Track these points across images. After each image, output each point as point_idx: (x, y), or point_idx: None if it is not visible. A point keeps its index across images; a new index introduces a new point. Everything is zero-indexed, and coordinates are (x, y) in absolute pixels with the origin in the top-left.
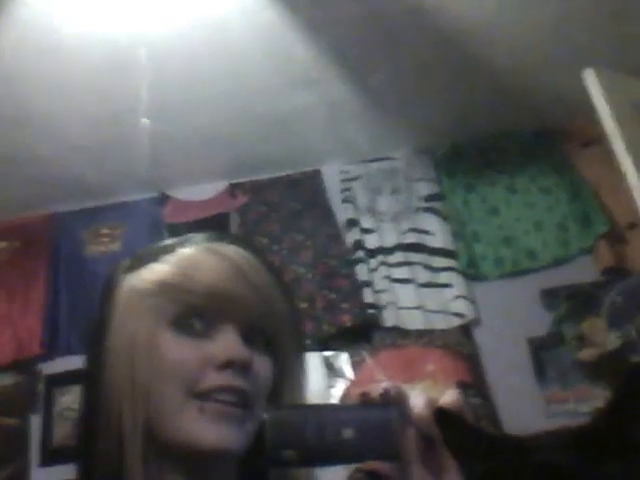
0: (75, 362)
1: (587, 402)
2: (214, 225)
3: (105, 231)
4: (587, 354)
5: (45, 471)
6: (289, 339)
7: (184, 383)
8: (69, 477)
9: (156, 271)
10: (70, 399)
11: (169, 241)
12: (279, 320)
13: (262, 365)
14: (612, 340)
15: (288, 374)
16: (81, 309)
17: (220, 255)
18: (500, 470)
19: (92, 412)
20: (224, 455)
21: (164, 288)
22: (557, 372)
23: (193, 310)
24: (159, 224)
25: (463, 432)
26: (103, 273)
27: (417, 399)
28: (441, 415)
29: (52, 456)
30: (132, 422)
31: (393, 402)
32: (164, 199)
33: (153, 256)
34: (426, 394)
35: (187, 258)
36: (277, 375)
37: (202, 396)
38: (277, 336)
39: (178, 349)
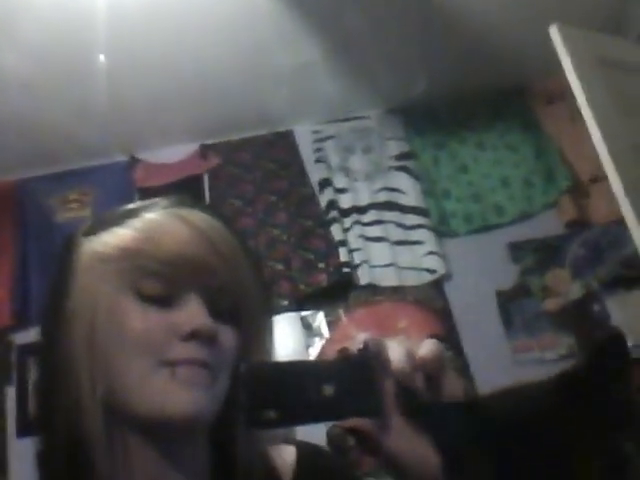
0: None
1: (552, 350)
2: (187, 189)
3: (74, 197)
4: (552, 304)
5: (23, 442)
6: (256, 308)
7: (149, 353)
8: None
9: (119, 236)
10: None
11: (133, 205)
12: (245, 289)
13: (227, 336)
14: (575, 290)
15: (255, 344)
16: (52, 277)
17: (186, 222)
18: None
19: (49, 381)
20: (195, 423)
21: (127, 253)
22: (524, 322)
23: (157, 277)
24: (130, 189)
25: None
26: None
27: (396, 351)
28: None
29: (29, 427)
30: (91, 392)
31: (372, 356)
32: (134, 162)
33: (116, 220)
34: (405, 345)
35: (152, 223)
36: (243, 345)
37: (170, 364)
38: (243, 305)
39: (142, 318)
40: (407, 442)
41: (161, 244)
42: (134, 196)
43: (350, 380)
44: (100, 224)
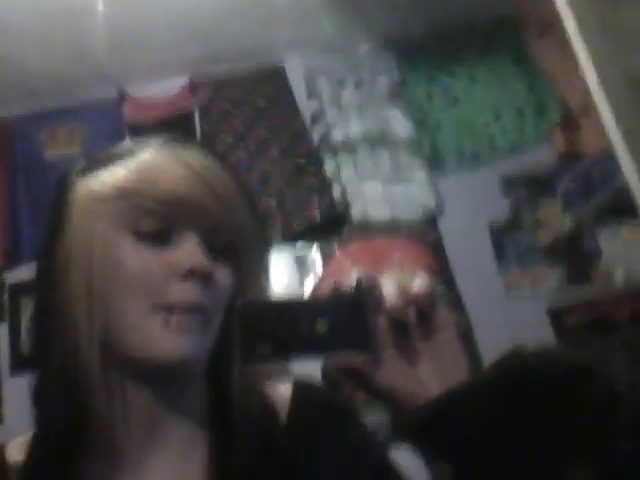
0: None
1: (542, 283)
2: (178, 125)
3: (63, 134)
4: (543, 237)
5: (17, 380)
6: (252, 246)
7: (146, 294)
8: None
9: (115, 175)
10: None
11: (128, 145)
12: (241, 227)
13: (223, 274)
14: (566, 223)
15: (251, 281)
16: (43, 215)
17: (181, 162)
18: None
19: (45, 320)
20: (188, 367)
21: (123, 193)
22: (515, 255)
23: (153, 216)
24: (120, 125)
25: None
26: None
27: (389, 287)
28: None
29: (22, 365)
30: (88, 329)
31: (365, 292)
32: (123, 99)
33: (111, 159)
34: (397, 281)
35: (148, 163)
36: (239, 282)
37: (167, 308)
38: (239, 244)
39: (139, 258)
40: (399, 376)
41: (157, 184)
42: (124, 132)
43: (343, 317)
44: (95, 163)
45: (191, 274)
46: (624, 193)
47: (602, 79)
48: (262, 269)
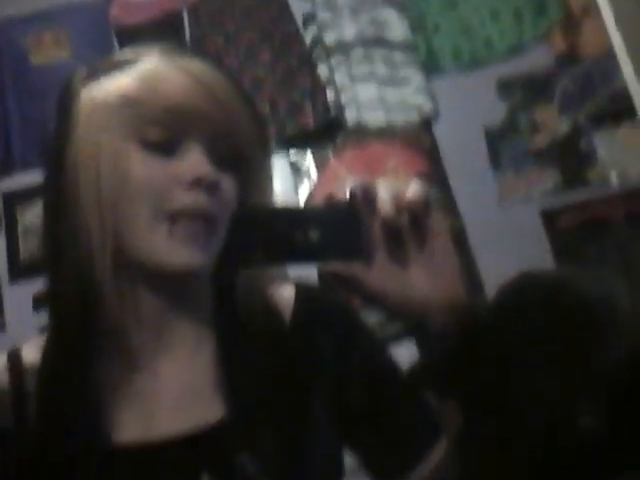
0: (34, 177)
1: (537, 186)
2: (167, 27)
3: (49, 37)
4: (540, 140)
5: (16, 288)
6: (255, 154)
7: (152, 202)
8: (40, 289)
9: (119, 83)
10: (33, 215)
11: (130, 52)
12: (245, 135)
13: (228, 184)
14: (563, 126)
15: (254, 188)
16: (33, 122)
17: (184, 70)
18: None
19: (56, 228)
20: (191, 275)
21: (127, 102)
22: (511, 160)
23: (158, 125)
24: (107, 27)
25: None
26: (53, 82)
27: (383, 193)
28: None
29: (21, 273)
30: (100, 236)
31: (359, 201)
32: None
33: (114, 67)
34: (392, 187)
35: (151, 71)
36: (243, 193)
37: (171, 217)
38: (243, 152)
39: (145, 166)
40: (390, 281)
41: (161, 92)
42: (111, 35)
43: (335, 226)
44: (97, 71)
45: (197, 184)
46: (623, 95)
47: None
48: (266, 176)
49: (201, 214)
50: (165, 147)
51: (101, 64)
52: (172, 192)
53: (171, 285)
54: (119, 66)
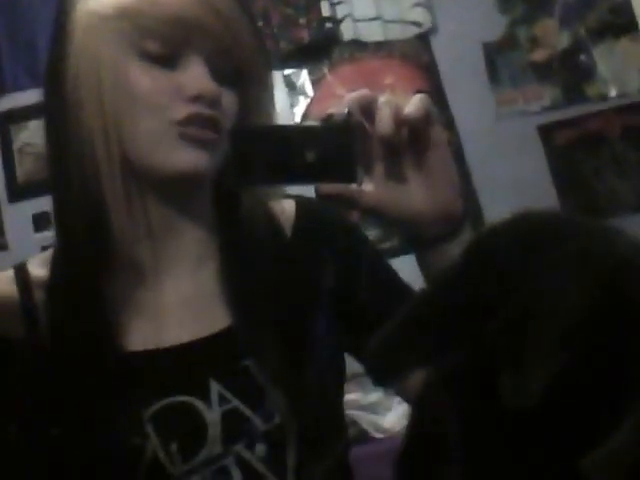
0: (27, 97)
1: (535, 101)
2: None
3: None
4: (539, 55)
5: (15, 207)
6: (256, 69)
7: (156, 112)
8: (39, 210)
9: None
10: (28, 134)
11: None
12: (245, 49)
13: (229, 99)
14: (563, 40)
15: (255, 106)
16: (23, 42)
17: None
18: None
19: (60, 143)
20: (202, 177)
21: (126, 13)
22: (509, 74)
23: (158, 37)
24: None
25: None
26: (42, 2)
27: (383, 111)
28: None
29: (19, 192)
30: (106, 152)
31: (356, 119)
32: None
33: None
34: (392, 101)
35: None
36: (243, 108)
37: (177, 123)
38: (244, 66)
39: (147, 78)
40: (389, 197)
41: (159, 4)
42: None
43: (331, 147)
44: None
45: (199, 98)
46: (623, 8)
47: None
48: (267, 92)
49: (207, 120)
50: (166, 59)
51: None
52: (175, 104)
53: (178, 194)
54: None
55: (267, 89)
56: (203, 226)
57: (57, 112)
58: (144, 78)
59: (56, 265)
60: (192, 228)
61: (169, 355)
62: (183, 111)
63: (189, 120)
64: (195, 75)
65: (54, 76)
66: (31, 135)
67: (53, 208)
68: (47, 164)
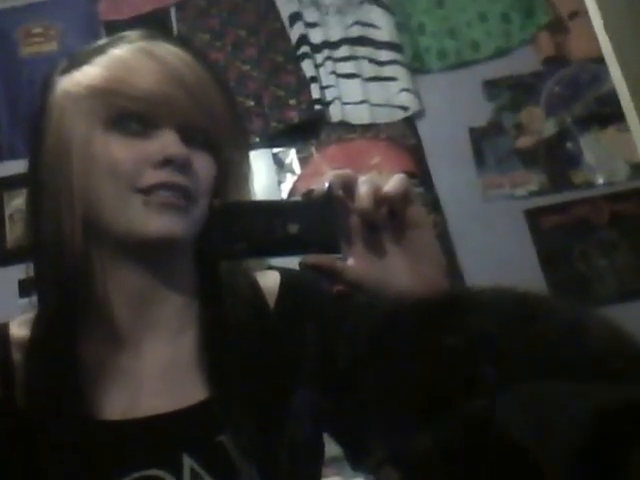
0: (21, 165)
1: (522, 186)
2: (153, 22)
3: (38, 30)
4: (524, 141)
5: (2, 271)
6: (230, 137)
7: (124, 180)
8: (26, 275)
9: (87, 74)
10: (20, 202)
11: (102, 41)
12: (218, 120)
13: (203, 162)
14: (549, 128)
15: (232, 172)
16: (22, 112)
17: (153, 57)
18: None
19: (36, 212)
20: (170, 243)
21: (96, 92)
22: (495, 160)
23: (127, 114)
24: (95, 22)
25: None
26: (41, 74)
27: (362, 187)
28: None
29: (7, 257)
30: (70, 219)
31: (336, 194)
32: None
33: (86, 57)
34: (371, 179)
35: (118, 60)
36: (221, 173)
37: (145, 190)
38: (217, 135)
39: (115, 148)
40: (369, 272)
41: (128, 81)
42: (100, 30)
43: (313, 219)
44: (72, 63)
45: (168, 162)
46: (609, 98)
47: None
48: (243, 165)
49: (174, 187)
50: (134, 130)
51: (77, 54)
52: (144, 171)
53: (153, 261)
54: (91, 56)
55: (243, 156)
56: (184, 293)
57: (35, 183)
58: (112, 149)
59: (35, 327)
60: (172, 296)
61: (142, 426)
62: (150, 179)
63: (156, 187)
64: (164, 141)
65: (34, 150)
66: (23, 202)
67: (34, 273)
68: (26, 230)
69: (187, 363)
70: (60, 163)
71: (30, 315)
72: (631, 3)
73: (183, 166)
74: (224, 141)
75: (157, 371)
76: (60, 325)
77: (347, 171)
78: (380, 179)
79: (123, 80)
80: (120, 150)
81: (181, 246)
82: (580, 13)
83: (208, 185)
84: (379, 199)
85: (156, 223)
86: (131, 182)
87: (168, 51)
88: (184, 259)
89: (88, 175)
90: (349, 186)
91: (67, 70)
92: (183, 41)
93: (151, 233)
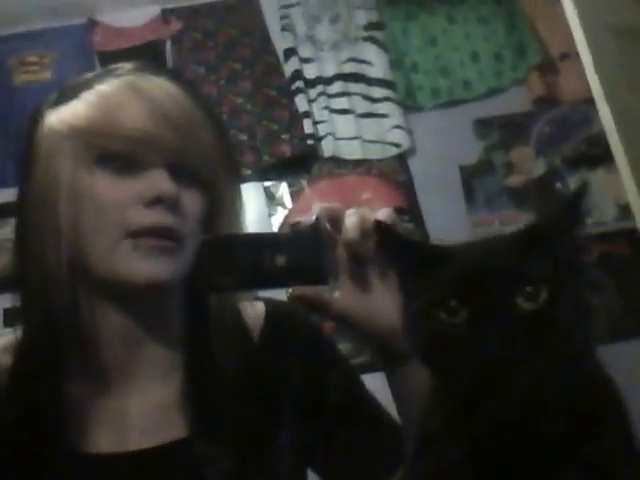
0: (12, 194)
1: (511, 225)
2: (148, 54)
3: (33, 59)
4: (514, 180)
5: None
6: (221, 173)
7: (113, 221)
8: (12, 305)
9: (72, 111)
10: (8, 231)
11: (90, 75)
12: (208, 156)
13: (192, 200)
14: (538, 167)
15: (224, 207)
16: (14, 140)
17: (139, 93)
18: (434, 278)
19: (23, 247)
20: (158, 288)
21: (78, 132)
22: (485, 198)
23: (113, 154)
24: (90, 52)
25: (398, 243)
26: (34, 103)
27: (349, 220)
28: (379, 226)
29: None
30: (56, 260)
31: (324, 227)
32: (93, 25)
33: (74, 91)
34: (358, 212)
35: (104, 97)
36: (211, 209)
37: (134, 234)
38: (208, 172)
39: (104, 189)
40: (356, 304)
41: (113, 121)
42: (94, 60)
43: (301, 251)
44: (62, 96)
45: (158, 201)
46: (599, 139)
47: (585, 26)
48: (234, 198)
49: (163, 231)
50: (123, 168)
51: (67, 87)
52: (133, 210)
53: (140, 303)
54: (77, 90)
55: (234, 191)
56: (170, 334)
57: (22, 217)
58: (100, 187)
59: (18, 357)
60: (159, 337)
61: (123, 461)
62: (139, 219)
63: (145, 231)
64: (153, 180)
65: (22, 184)
66: (11, 231)
67: (20, 304)
68: (13, 261)
69: (173, 401)
70: (47, 200)
71: (11, 340)
72: (621, 45)
73: (173, 205)
74: (215, 177)
75: (143, 410)
76: (44, 359)
77: (334, 204)
78: (367, 212)
79: (107, 120)
80: (107, 190)
81: (168, 288)
82: (571, 54)
83: (196, 224)
84: (365, 231)
85: (144, 269)
86: (120, 223)
87: (156, 86)
88: (171, 299)
89: (75, 216)
90: (336, 218)
91: (56, 104)
92: (173, 74)
93: (138, 279)
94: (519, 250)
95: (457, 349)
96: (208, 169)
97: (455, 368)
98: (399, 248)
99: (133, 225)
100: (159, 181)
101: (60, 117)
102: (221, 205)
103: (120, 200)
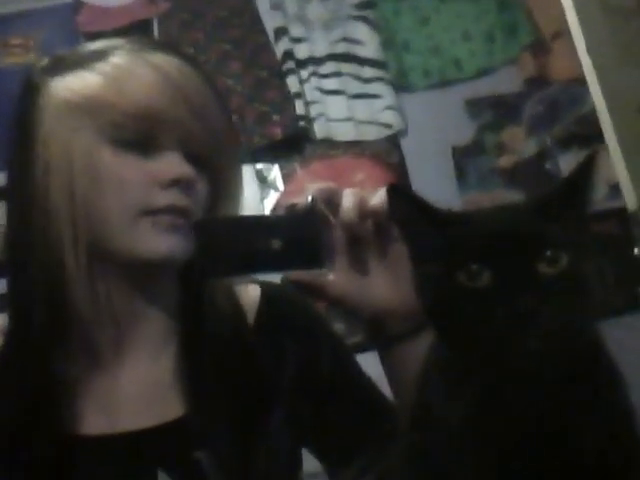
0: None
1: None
2: (135, 34)
3: (16, 41)
4: (505, 161)
5: None
6: (226, 154)
7: (131, 201)
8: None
9: (87, 82)
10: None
11: (99, 45)
12: (217, 137)
13: (201, 185)
14: (529, 148)
15: (224, 192)
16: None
17: (155, 68)
18: (451, 242)
19: (22, 228)
20: (173, 264)
21: (97, 104)
22: (477, 178)
23: (130, 132)
24: (75, 33)
25: (413, 205)
26: (19, 85)
27: (347, 200)
28: (392, 189)
29: None
30: (73, 237)
31: (320, 208)
32: (78, 5)
33: (82, 62)
34: (356, 193)
35: (120, 70)
36: (212, 193)
37: (153, 213)
38: (215, 152)
39: (122, 168)
40: (352, 287)
41: (130, 95)
42: (80, 41)
43: (296, 235)
44: (61, 63)
45: (175, 183)
46: (590, 119)
47: (577, 4)
48: (237, 179)
49: (180, 211)
50: (139, 147)
51: (67, 55)
52: (151, 192)
53: (144, 279)
54: (87, 60)
55: (236, 175)
56: (166, 312)
57: (22, 196)
58: (118, 166)
59: (8, 342)
60: (155, 314)
61: (118, 442)
62: (159, 201)
63: (163, 211)
64: (170, 162)
65: (21, 161)
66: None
67: (8, 289)
68: (5, 246)
69: (166, 380)
70: (59, 176)
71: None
72: (613, 25)
73: (189, 187)
74: (221, 162)
75: (137, 389)
76: (37, 342)
77: (330, 184)
78: (364, 192)
79: (125, 93)
80: (129, 171)
81: (177, 265)
82: (563, 34)
83: (204, 205)
84: (364, 212)
85: (162, 244)
86: (139, 204)
87: (168, 62)
88: (170, 278)
89: (92, 193)
90: (333, 199)
91: (56, 71)
92: (181, 52)
93: (157, 254)
94: (536, 217)
95: (477, 311)
96: (218, 154)
97: (474, 327)
98: (413, 211)
99: (152, 205)
100: (177, 163)
101: (71, 88)
102: (224, 189)
103: (140, 182)
